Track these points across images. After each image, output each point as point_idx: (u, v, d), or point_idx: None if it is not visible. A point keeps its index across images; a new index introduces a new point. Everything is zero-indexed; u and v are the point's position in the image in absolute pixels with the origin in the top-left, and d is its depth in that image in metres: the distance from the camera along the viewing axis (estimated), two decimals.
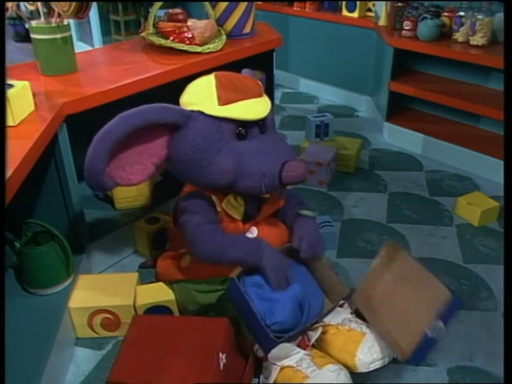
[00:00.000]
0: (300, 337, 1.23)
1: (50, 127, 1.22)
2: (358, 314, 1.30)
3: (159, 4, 1.75)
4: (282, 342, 1.15)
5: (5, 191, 0.90)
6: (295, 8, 3.17)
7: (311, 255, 1.32)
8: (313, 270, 1.37)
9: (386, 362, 1.19)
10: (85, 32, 4.01)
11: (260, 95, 1.27)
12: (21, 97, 1.21)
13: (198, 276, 1.34)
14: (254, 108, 1.24)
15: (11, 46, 4.51)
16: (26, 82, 1.23)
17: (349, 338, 1.22)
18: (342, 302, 1.33)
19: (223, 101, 1.20)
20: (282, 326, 1.17)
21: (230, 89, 1.21)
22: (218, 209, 1.29)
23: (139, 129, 1.16)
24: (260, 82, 1.32)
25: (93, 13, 3.69)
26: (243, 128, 1.23)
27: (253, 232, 1.36)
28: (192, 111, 1.22)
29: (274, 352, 1.18)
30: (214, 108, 1.20)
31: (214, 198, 1.29)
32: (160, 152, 1.24)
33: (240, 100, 1.22)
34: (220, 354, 1.11)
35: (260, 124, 1.26)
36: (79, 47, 3.63)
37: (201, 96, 1.23)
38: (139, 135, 1.18)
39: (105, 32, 3.87)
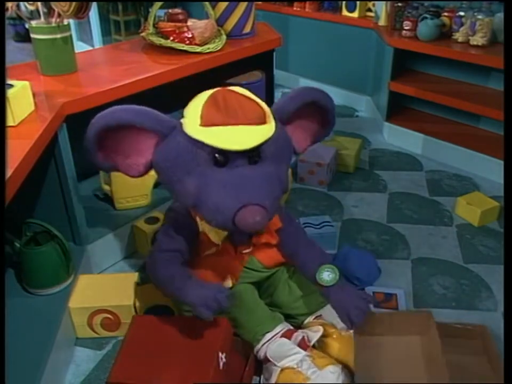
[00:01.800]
0: (300, 338, 1.22)
1: (50, 127, 1.22)
2: None
3: (159, 3, 1.75)
4: None
5: (5, 191, 0.90)
6: (295, 8, 3.17)
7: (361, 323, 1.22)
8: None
9: None
10: (85, 32, 4.01)
11: (257, 123, 1.12)
12: (21, 97, 1.21)
13: None
14: (239, 136, 1.10)
15: (11, 46, 4.51)
16: (26, 82, 1.23)
17: (352, 344, 1.21)
18: None
19: (204, 121, 1.10)
20: None
21: (218, 110, 1.10)
22: (200, 229, 1.25)
23: (126, 126, 1.14)
24: (267, 109, 1.17)
25: (93, 13, 3.69)
26: (221, 155, 1.11)
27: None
28: (181, 123, 1.16)
29: (273, 350, 1.18)
30: (194, 128, 1.12)
31: (198, 218, 1.24)
32: (146, 154, 1.20)
33: (225, 124, 1.09)
34: (220, 354, 1.11)
35: (250, 155, 1.13)
36: (79, 47, 3.63)
37: (191, 109, 1.16)
38: (133, 131, 1.16)
39: (105, 32, 3.87)
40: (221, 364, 1.10)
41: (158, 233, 1.32)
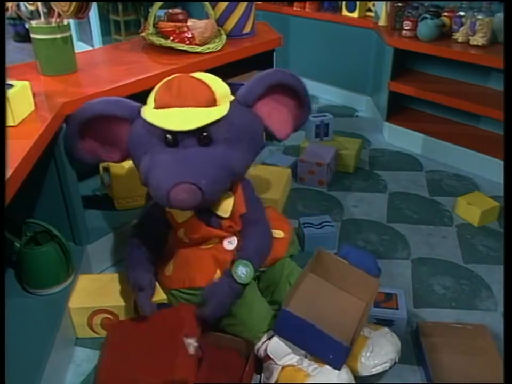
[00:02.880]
0: None
1: (50, 127, 1.22)
2: None
3: (159, 3, 1.75)
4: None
5: (5, 191, 0.90)
6: (295, 8, 3.17)
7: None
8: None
9: (388, 367, 1.19)
10: (85, 32, 4.01)
11: (206, 105, 1.17)
12: (21, 97, 1.21)
13: (179, 284, 1.31)
14: (185, 117, 1.15)
15: (11, 46, 4.51)
16: (26, 82, 1.24)
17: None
18: None
19: (156, 104, 1.19)
20: None
21: (170, 93, 1.17)
22: (167, 208, 1.28)
23: (99, 117, 1.25)
24: (221, 92, 1.21)
25: (93, 13, 3.69)
26: (171, 136, 1.16)
27: (232, 242, 1.33)
28: (141, 106, 1.25)
29: (274, 347, 1.19)
30: (149, 111, 1.20)
31: None
32: (123, 140, 1.27)
33: (175, 106, 1.16)
34: (187, 339, 1.12)
35: (199, 136, 1.16)
36: (79, 47, 3.63)
37: (151, 94, 1.24)
38: (107, 121, 1.26)
39: (105, 32, 3.88)
40: (191, 348, 1.12)
41: (143, 210, 1.41)
